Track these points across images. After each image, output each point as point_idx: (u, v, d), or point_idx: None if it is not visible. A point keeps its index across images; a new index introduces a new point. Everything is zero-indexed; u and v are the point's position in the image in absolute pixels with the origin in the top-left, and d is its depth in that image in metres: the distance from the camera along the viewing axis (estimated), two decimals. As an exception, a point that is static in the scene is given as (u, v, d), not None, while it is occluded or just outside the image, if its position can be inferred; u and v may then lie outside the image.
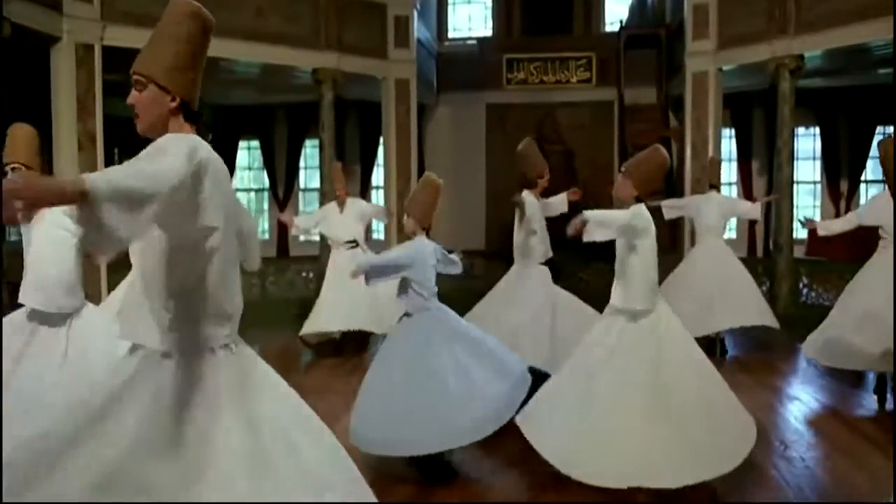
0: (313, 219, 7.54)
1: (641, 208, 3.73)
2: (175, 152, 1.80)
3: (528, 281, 5.51)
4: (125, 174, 1.66)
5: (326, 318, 6.98)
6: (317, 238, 9.16)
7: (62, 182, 1.53)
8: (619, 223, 3.66)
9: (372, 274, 3.94)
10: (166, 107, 1.97)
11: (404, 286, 3.94)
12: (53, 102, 7.33)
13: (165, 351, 1.93)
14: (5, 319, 3.67)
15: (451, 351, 3.84)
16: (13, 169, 3.78)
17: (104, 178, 1.57)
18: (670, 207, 7.15)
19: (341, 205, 7.19)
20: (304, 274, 9.93)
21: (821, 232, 5.64)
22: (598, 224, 3.66)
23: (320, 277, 7.65)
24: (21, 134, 3.88)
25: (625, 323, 3.73)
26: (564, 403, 3.72)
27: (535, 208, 5.55)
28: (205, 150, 1.92)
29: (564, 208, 5.79)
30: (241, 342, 2.07)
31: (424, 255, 3.94)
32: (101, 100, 7.53)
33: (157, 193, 1.67)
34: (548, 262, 5.60)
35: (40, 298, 3.68)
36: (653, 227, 3.73)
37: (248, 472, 1.84)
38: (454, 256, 4.19)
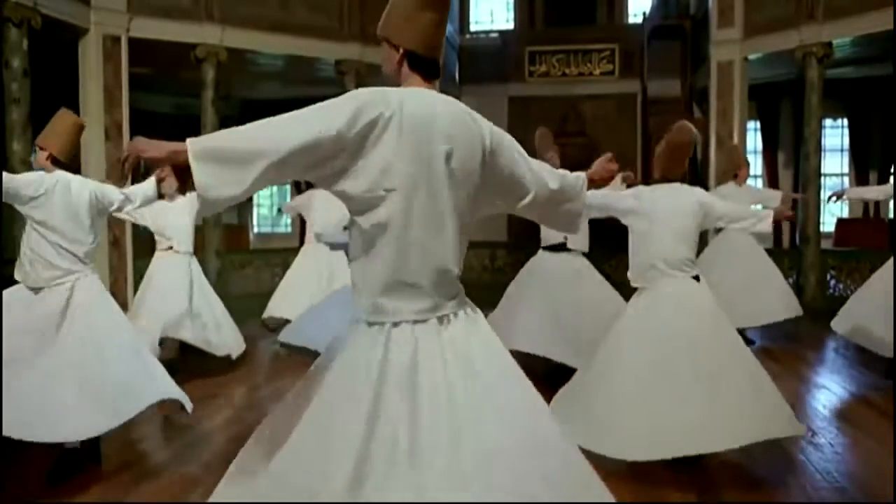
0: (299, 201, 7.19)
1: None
2: (323, 113, 1.74)
3: None
4: (226, 136, 1.72)
5: (276, 305, 6.69)
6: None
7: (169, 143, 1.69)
8: None
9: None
10: (394, 60, 1.99)
11: None
12: (81, 93, 7.43)
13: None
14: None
15: None
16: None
17: (200, 139, 1.68)
18: None
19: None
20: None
21: (849, 195, 5.78)
22: None
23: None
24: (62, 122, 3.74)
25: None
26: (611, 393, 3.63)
27: None
28: (390, 107, 1.78)
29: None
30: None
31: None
32: (127, 90, 7.62)
33: (261, 153, 1.67)
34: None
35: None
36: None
37: None
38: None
